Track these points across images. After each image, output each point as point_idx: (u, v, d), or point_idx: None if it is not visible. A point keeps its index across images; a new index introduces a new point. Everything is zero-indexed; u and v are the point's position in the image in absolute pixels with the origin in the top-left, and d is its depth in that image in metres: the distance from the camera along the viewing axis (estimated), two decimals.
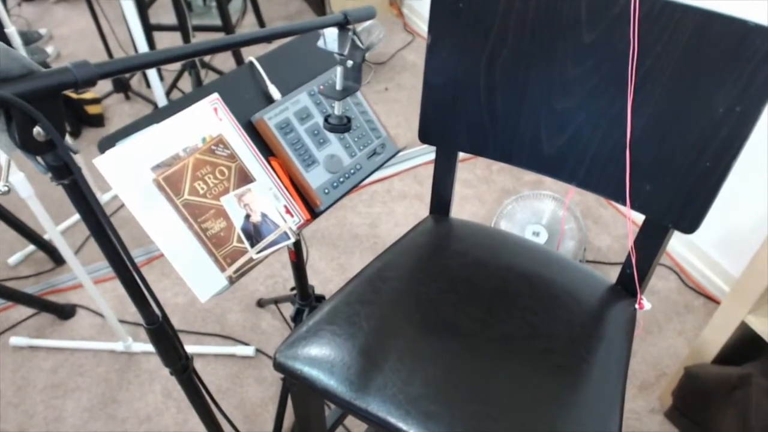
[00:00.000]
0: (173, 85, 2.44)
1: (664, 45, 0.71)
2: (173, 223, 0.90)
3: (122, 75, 0.55)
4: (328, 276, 1.81)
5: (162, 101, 1.78)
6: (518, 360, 0.77)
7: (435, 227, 1.02)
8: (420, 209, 2.02)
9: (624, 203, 0.81)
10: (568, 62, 0.78)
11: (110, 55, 2.56)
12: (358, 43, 0.88)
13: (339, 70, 0.91)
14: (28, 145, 0.49)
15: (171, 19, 2.25)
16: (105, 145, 0.88)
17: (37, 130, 0.49)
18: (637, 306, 0.88)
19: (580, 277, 0.91)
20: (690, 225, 0.77)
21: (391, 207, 2.04)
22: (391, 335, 0.80)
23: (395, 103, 2.54)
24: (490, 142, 0.91)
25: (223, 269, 0.93)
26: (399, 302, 0.86)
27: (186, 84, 2.49)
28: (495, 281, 0.87)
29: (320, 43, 0.88)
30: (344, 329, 0.81)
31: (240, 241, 0.95)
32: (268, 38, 0.79)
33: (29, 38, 2.97)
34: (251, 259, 0.95)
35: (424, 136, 0.98)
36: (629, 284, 0.89)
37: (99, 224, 0.57)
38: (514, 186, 2.09)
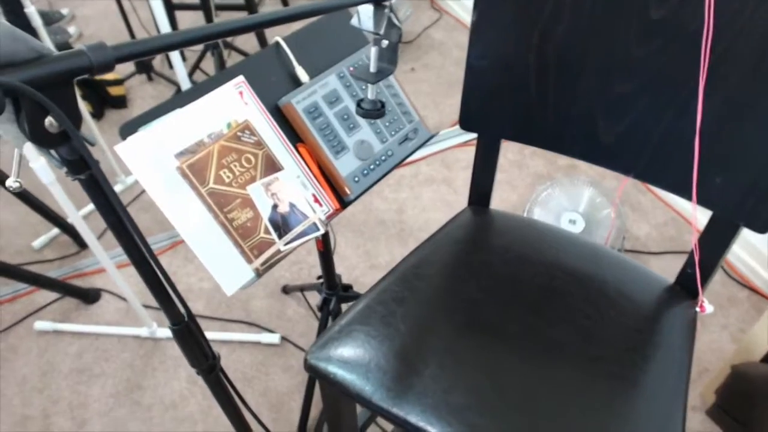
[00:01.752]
0: (196, 66, 2.40)
1: (744, 23, 0.63)
2: (198, 213, 0.86)
3: (142, 58, 0.50)
4: (353, 263, 1.76)
5: (185, 82, 1.73)
6: (569, 368, 0.71)
7: (474, 220, 0.96)
8: (448, 194, 1.96)
9: (689, 198, 0.74)
10: (632, 41, 0.70)
11: (132, 35, 2.52)
12: (395, 21, 0.81)
13: (373, 50, 0.84)
14: (40, 138, 0.44)
15: None
16: (127, 130, 0.83)
17: (49, 120, 0.44)
18: (698, 309, 0.81)
19: (634, 276, 0.84)
20: (766, 223, 0.70)
21: (418, 192, 1.98)
22: (430, 338, 0.75)
23: (422, 83, 2.46)
24: (539, 129, 0.83)
25: (249, 261, 0.89)
26: (437, 302, 0.80)
27: (209, 65, 2.44)
28: (541, 280, 0.81)
29: (354, 22, 0.81)
30: (379, 330, 0.76)
31: (267, 232, 0.90)
32: (296, 17, 0.73)
33: (50, 18, 2.94)
34: (279, 251, 0.90)
35: (466, 123, 0.91)
36: (690, 284, 0.82)
37: (119, 221, 0.52)
38: (548, 171, 2.00)
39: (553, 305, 0.78)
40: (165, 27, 1.48)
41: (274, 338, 1.55)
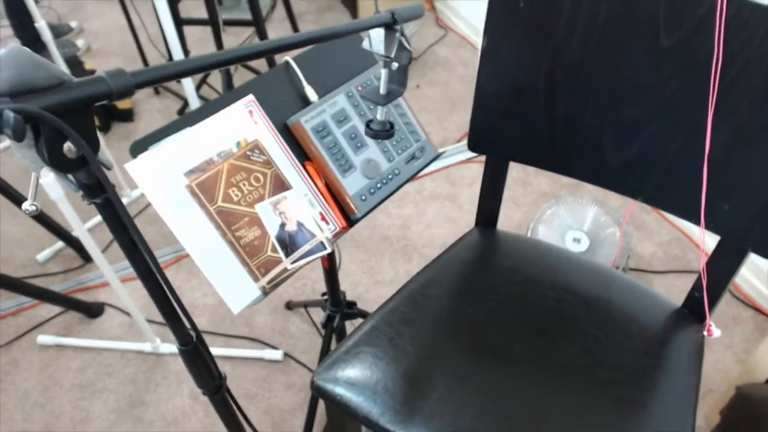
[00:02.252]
0: (203, 81, 2.41)
1: (753, 52, 0.64)
2: (206, 231, 0.87)
3: (160, 83, 0.50)
4: (357, 279, 1.76)
5: (192, 97, 1.74)
6: (578, 391, 0.71)
7: (481, 241, 0.96)
8: (452, 211, 1.96)
9: (697, 222, 0.74)
10: (642, 68, 0.71)
11: (140, 49, 2.54)
12: (405, 44, 0.82)
13: (383, 72, 0.85)
14: (58, 163, 0.44)
15: (201, 12, 2.21)
16: (137, 148, 0.84)
17: (67, 146, 0.44)
18: (705, 333, 0.81)
19: (642, 299, 0.84)
20: None
21: (423, 208, 1.98)
22: (438, 360, 0.75)
23: (427, 100, 2.47)
24: (547, 152, 0.84)
25: (256, 279, 0.89)
26: (445, 323, 0.80)
27: (216, 79, 2.46)
28: (549, 302, 0.81)
29: (365, 45, 0.82)
30: (386, 352, 0.76)
31: (274, 250, 0.91)
32: (308, 42, 0.74)
33: (59, 31, 2.97)
34: (285, 270, 0.91)
35: (475, 145, 0.92)
36: (697, 308, 0.82)
37: (133, 243, 0.53)
38: (552, 189, 2.01)
39: (561, 328, 0.78)
40: (174, 42, 1.50)
41: (277, 354, 1.54)
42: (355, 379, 0.73)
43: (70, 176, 0.47)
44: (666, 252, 1.77)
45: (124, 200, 2.03)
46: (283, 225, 0.92)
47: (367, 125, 0.90)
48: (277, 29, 2.93)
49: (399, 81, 0.87)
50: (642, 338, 0.77)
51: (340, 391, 0.73)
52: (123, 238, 0.52)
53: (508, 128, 0.86)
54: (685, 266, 1.71)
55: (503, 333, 0.77)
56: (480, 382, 0.72)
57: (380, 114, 0.90)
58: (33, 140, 0.43)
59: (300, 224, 0.93)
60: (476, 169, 2.12)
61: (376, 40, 0.80)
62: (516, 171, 2.09)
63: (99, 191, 0.48)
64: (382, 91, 0.86)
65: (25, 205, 0.47)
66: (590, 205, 1.57)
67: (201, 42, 2.74)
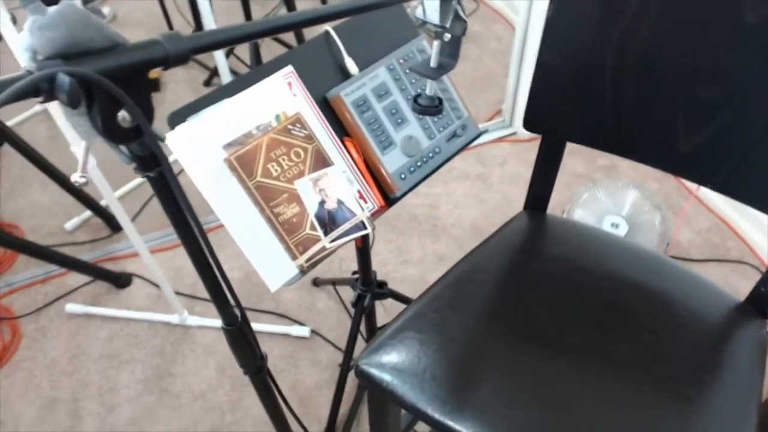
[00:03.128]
0: (230, 52, 2.37)
1: None
2: (244, 206, 0.84)
3: (215, 49, 0.47)
4: (384, 258, 1.73)
5: (223, 67, 1.70)
6: (635, 387, 0.67)
7: (531, 225, 0.92)
8: (482, 191, 1.91)
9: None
10: (722, 45, 0.66)
11: (167, 17, 2.50)
12: (461, 13, 0.77)
13: (435, 44, 0.80)
14: (112, 133, 0.41)
15: None
16: (175, 119, 0.81)
17: (122, 114, 0.41)
18: None
19: (702, 292, 0.80)
20: None
21: (452, 188, 1.94)
22: (487, 349, 0.71)
23: (458, 75, 2.40)
24: (611, 132, 0.79)
25: (294, 257, 0.86)
26: (494, 311, 0.77)
27: (242, 51, 2.41)
28: (604, 293, 0.77)
29: (418, 14, 0.78)
30: (433, 338, 0.73)
31: (313, 228, 0.88)
32: (365, 9, 0.69)
33: None
34: (324, 248, 0.88)
35: (530, 123, 0.87)
36: (761, 304, 0.77)
37: (185, 221, 0.50)
38: (586, 170, 1.95)
39: (617, 320, 0.74)
40: (207, 11, 1.45)
41: (304, 331, 1.53)
42: (401, 365, 0.70)
43: (122, 147, 0.44)
44: (705, 240, 1.71)
45: None
46: (322, 202, 0.89)
47: (415, 100, 0.86)
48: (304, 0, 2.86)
49: (450, 53, 0.82)
50: (702, 333, 0.73)
51: (386, 377, 0.70)
52: (174, 213, 0.49)
53: (570, 107, 0.81)
54: (724, 255, 1.65)
55: (556, 323, 0.74)
56: (532, 375, 0.69)
57: (429, 89, 0.86)
58: (86, 107, 0.40)
59: (340, 202, 0.90)
60: (508, 148, 2.07)
61: (430, 8, 0.75)
62: None
63: (153, 164, 0.44)
64: (433, 63, 0.82)
65: (75, 177, 0.44)
66: (630, 189, 1.51)
67: (227, 12, 2.68)
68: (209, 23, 1.48)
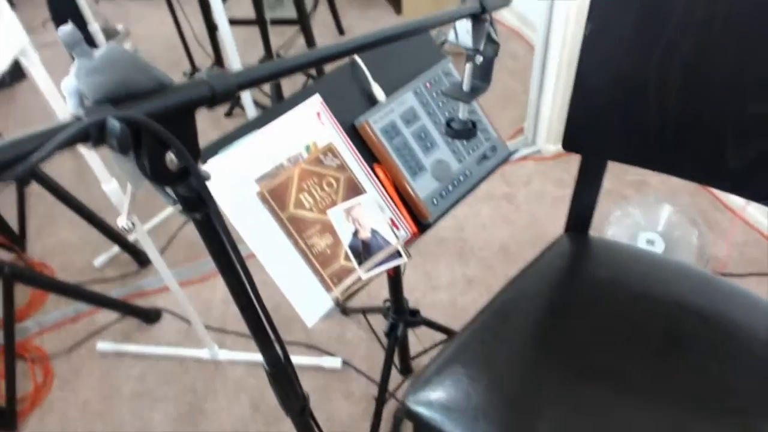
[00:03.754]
0: None
1: None
2: (277, 239, 0.83)
3: (260, 84, 0.46)
4: (413, 283, 1.71)
5: (247, 98, 1.72)
6: (703, 422, 0.63)
7: (574, 248, 0.89)
8: (509, 212, 1.89)
9: None
10: None
11: (188, 51, 2.54)
12: (493, 35, 0.76)
13: (468, 67, 0.79)
14: (159, 175, 0.40)
15: (241, 12, 2.20)
16: (207, 153, 0.80)
17: (169, 157, 0.40)
18: None
19: (762, 313, 0.76)
20: None
21: (477, 209, 1.91)
22: (541, 384, 0.68)
23: None
24: (656, 150, 0.76)
25: (329, 289, 0.85)
26: (544, 342, 0.73)
27: None
28: (660, 319, 0.73)
29: (450, 38, 0.77)
30: (483, 373, 0.70)
31: (347, 258, 0.86)
32: (399, 37, 0.68)
33: (107, 34, 3.00)
34: (359, 279, 0.86)
35: (570, 143, 0.85)
36: None
37: (231, 262, 0.49)
38: (615, 186, 1.91)
39: (677, 348, 0.70)
40: (230, 44, 1.47)
41: (335, 362, 1.50)
42: (451, 402, 0.67)
43: (168, 189, 0.43)
44: (743, 254, 1.65)
45: None
46: (356, 232, 0.87)
47: (447, 124, 0.85)
48: (320, 27, 2.89)
49: (482, 76, 0.81)
50: None
51: (436, 416, 0.67)
52: (220, 255, 0.48)
53: (611, 125, 0.78)
54: (765, 269, 1.59)
55: (612, 354, 0.70)
56: (592, 411, 0.65)
57: (462, 112, 0.85)
58: (132, 151, 0.39)
59: (374, 231, 0.88)
60: (532, 167, 2.04)
61: (462, 31, 0.74)
62: (576, 168, 1.99)
63: (199, 206, 0.43)
64: (466, 87, 0.80)
65: (121, 223, 0.43)
66: (663, 204, 1.48)
67: (245, 42, 2.72)
68: (233, 54, 1.50)
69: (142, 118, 0.36)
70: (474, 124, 0.85)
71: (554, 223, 1.81)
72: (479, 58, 0.78)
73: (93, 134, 0.35)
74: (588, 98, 0.80)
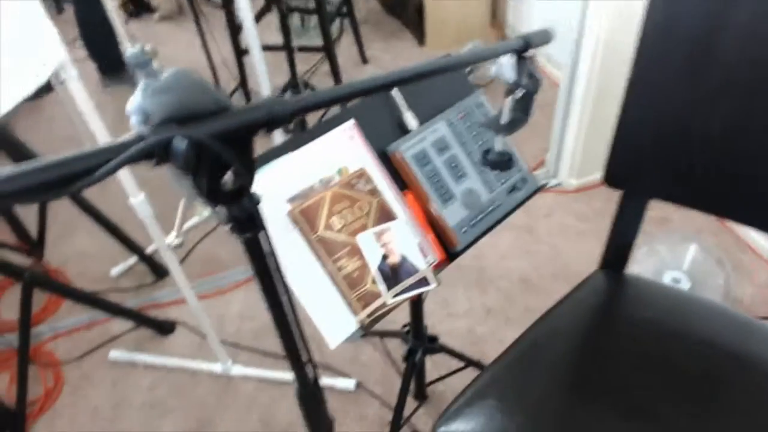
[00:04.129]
0: None
1: None
2: (305, 260, 0.83)
3: (315, 110, 0.46)
4: (429, 309, 1.69)
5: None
6: None
7: (608, 286, 0.88)
8: (529, 243, 1.87)
9: None
10: None
11: (214, 73, 2.59)
12: (535, 71, 0.77)
13: (508, 100, 0.80)
14: (215, 195, 0.40)
15: (268, 38, 2.23)
16: None
17: (226, 177, 0.40)
18: None
19: None
20: None
21: (496, 238, 1.90)
22: (577, 423, 0.66)
23: None
24: (701, 189, 0.76)
25: (355, 312, 0.84)
26: (580, 381, 0.72)
27: None
28: (698, 361, 0.72)
29: (493, 72, 0.77)
30: (517, 409, 0.68)
31: (375, 283, 0.86)
32: (441, 71, 0.69)
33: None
34: (385, 304, 0.86)
35: (612, 178, 0.84)
36: None
37: (272, 283, 0.48)
38: None
39: (716, 391, 0.69)
40: (262, 69, 1.49)
41: (349, 384, 1.49)
42: None
43: (220, 208, 0.43)
44: (766, 295, 1.63)
45: (195, 218, 2.03)
46: (385, 257, 0.87)
47: (484, 155, 0.85)
48: (344, 56, 2.92)
49: (523, 108, 0.81)
50: None
51: None
52: (263, 276, 0.48)
53: (655, 163, 0.78)
54: None
55: (651, 395, 0.68)
56: None
57: (499, 143, 0.85)
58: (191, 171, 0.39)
59: (404, 257, 0.88)
60: (551, 199, 2.03)
61: (506, 67, 0.75)
62: (599, 201, 1.98)
63: (250, 226, 0.43)
64: (505, 119, 0.81)
65: (170, 239, 0.43)
66: (688, 243, 1.46)
67: (271, 67, 2.75)
68: (263, 79, 1.52)
69: (207, 139, 0.36)
70: (511, 156, 0.85)
71: (576, 257, 1.79)
72: (519, 93, 0.78)
73: (158, 152, 0.35)
74: (631, 135, 0.80)
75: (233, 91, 2.55)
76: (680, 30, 0.72)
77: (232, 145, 0.39)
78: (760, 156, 0.71)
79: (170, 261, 1.28)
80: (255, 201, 0.41)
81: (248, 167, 0.41)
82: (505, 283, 1.74)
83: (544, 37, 0.77)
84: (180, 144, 0.35)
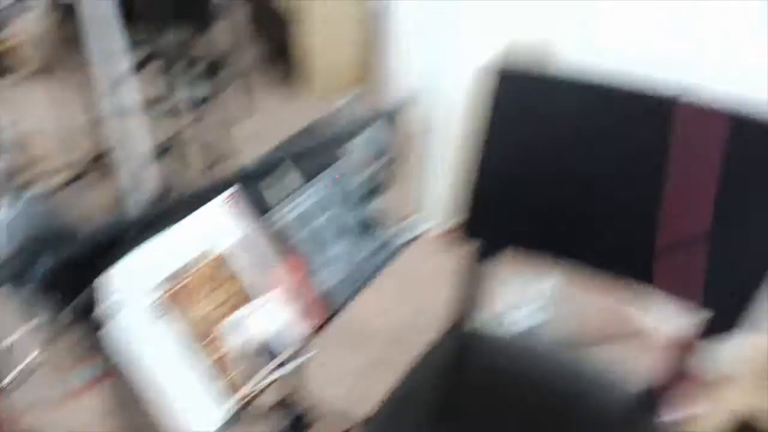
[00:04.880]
0: None
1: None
2: (171, 349, 0.79)
3: None
4: (309, 374, 1.64)
5: None
6: None
7: (455, 342, 0.93)
8: (400, 294, 1.91)
9: None
10: None
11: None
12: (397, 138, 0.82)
13: (373, 166, 0.84)
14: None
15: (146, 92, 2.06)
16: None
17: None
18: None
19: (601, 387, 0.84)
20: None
21: (367, 290, 1.91)
22: None
23: None
24: (560, 240, 0.84)
25: (231, 393, 0.82)
26: None
27: None
28: (532, 404, 0.78)
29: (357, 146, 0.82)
30: None
31: (250, 360, 0.84)
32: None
33: None
34: (264, 380, 0.84)
35: (473, 228, 0.91)
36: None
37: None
38: None
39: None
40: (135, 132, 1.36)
41: None
42: None
43: None
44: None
45: None
46: (260, 333, 0.86)
47: (355, 215, 0.88)
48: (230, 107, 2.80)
49: (388, 171, 0.86)
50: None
51: None
52: None
53: (510, 213, 0.85)
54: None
55: None
56: None
57: (370, 204, 0.89)
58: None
59: (278, 331, 0.87)
60: (422, 247, 2.09)
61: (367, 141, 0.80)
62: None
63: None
64: (372, 185, 0.85)
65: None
66: (545, 277, 1.57)
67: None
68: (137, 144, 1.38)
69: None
70: (381, 215, 0.89)
71: (438, 305, 1.86)
72: (385, 159, 0.83)
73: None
74: (485, 184, 0.87)
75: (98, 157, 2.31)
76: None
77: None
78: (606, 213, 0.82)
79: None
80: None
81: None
82: (380, 337, 1.76)
83: (406, 104, 0.82)
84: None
